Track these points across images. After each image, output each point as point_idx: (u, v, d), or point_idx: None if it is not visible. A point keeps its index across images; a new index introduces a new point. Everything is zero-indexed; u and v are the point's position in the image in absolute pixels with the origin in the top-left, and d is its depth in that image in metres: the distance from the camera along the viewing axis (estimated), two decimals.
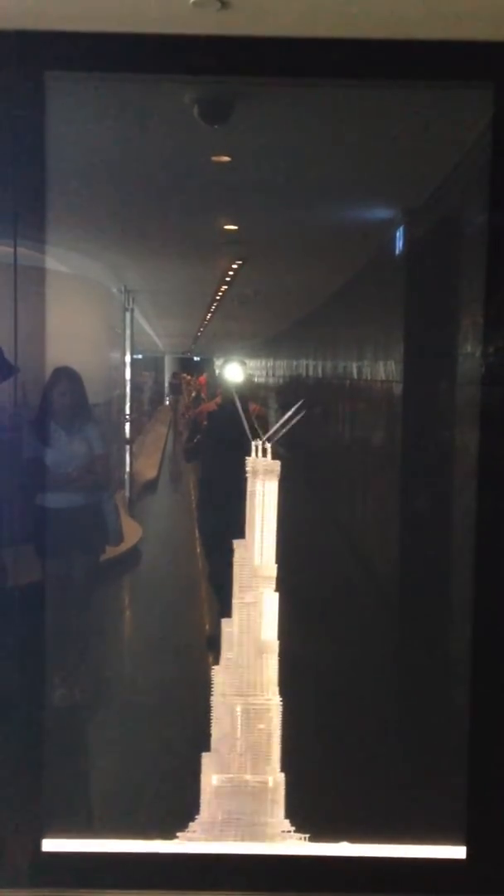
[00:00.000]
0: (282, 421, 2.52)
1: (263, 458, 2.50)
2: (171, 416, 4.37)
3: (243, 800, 2.51)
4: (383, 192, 3.03)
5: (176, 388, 4.33)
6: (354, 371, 3.70)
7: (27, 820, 2.50)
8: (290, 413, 2.53)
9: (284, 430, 2.51)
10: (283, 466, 2.52)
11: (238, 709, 2.52)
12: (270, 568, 2.50)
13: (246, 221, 3.22)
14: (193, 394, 4.08)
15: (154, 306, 4.20)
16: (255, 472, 2.51)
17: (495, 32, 2.20)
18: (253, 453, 2.51)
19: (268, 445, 2.49)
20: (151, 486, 4.30)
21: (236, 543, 2.52)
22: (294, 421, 2.53)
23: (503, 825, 2.48)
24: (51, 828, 2.51)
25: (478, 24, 2.15)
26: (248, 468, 2.51)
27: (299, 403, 2.56)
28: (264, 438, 2.47)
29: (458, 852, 2.49)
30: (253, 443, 2.50)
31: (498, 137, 2.34)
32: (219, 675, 2.53)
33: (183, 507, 4.13)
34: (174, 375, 4.38)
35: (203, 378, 4.05)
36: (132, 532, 3.67)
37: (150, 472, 4.33)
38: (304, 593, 2.82)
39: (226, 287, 3.64)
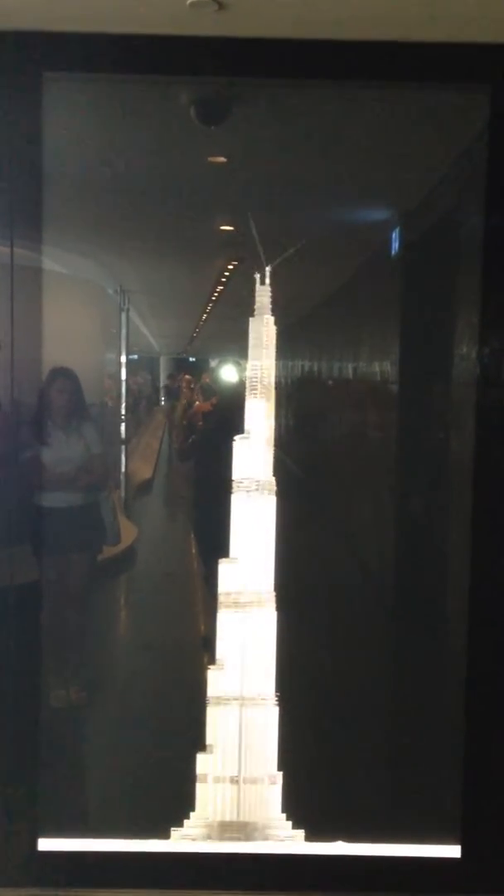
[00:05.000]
0: (287, 253, 2.50)
1: (262, 286, 2.52)
2: (167, 416, 4.37)
3: (238, 798, 2.52)
4: (379, 194, 3.04)
5: (171, 390, 4.33)
6: (350, 372, 3.70)
7: (23, 819, 2.50)
8: (293, 249, 2.51)
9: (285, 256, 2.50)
10: (277, 467, 2.52)
11: (233, 708, 2.52)
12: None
13: (242, 222, 3.22)
14: (184, 401, 4.08)
15: (150, 307, 4.21)
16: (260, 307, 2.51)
17: (492, 35, 2.21)
18: (257, 283, 2.52)
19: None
20: (147, 486, 4.30)
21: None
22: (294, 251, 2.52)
23: (498, 824, 2.49)
24: (46, 827, 2.51)
25: (474, 27, 2.16)
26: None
27: (302, 242, 2.54)
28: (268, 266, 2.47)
29: (453, 851, 2.50)
30: (256, 275, 2.51)
31: (494, 139, 2.35)
32: (214, 674, 2.53)
33: (178, 507, 4.13)
34: (169, 377, 4.38)
35: (192, 378, 4.05)
36: (128, 532, 3.67)
37: (145, 473, 4.33)
38: (301, 595, 2.83)
39: (221, 288, 3.64)
